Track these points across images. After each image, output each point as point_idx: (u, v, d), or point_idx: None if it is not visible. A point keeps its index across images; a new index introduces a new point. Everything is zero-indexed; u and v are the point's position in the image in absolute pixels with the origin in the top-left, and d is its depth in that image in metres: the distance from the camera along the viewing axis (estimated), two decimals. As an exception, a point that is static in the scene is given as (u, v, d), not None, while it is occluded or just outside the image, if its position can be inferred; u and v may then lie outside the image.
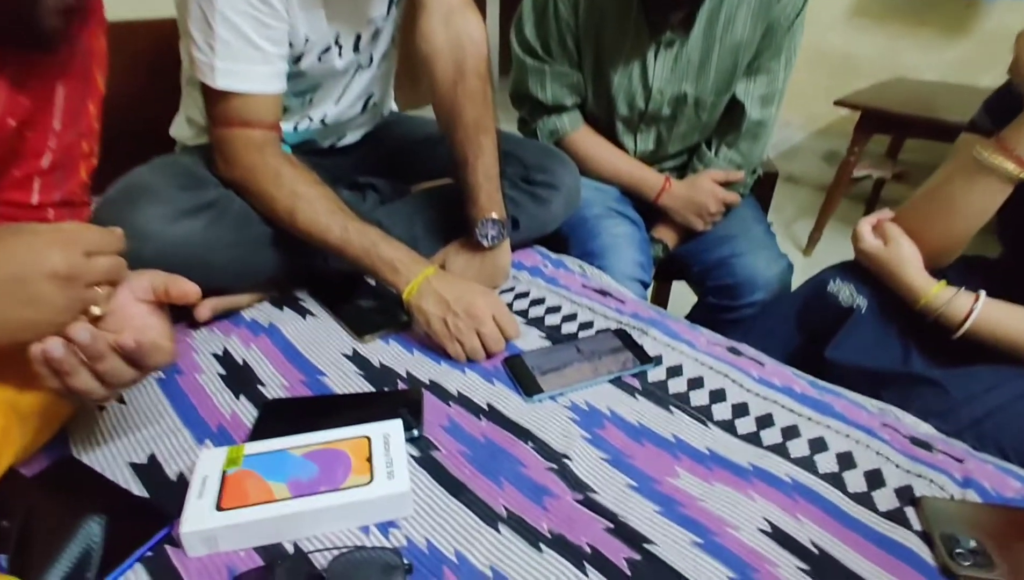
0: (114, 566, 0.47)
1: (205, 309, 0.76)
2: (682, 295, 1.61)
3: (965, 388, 0.71)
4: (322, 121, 0.92)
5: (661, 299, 1.58)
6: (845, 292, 0.86)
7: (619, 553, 0.51)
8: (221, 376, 0.70)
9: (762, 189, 1.24)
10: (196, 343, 0.76)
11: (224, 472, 0.52)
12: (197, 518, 0.49)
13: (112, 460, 0.58)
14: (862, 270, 0.86)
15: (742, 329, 0.97)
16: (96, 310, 0.48)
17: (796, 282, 1.12)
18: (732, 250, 1.10)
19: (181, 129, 0.94)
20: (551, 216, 0.97)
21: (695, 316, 1.16)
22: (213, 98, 0.75)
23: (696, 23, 0.99)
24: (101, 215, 0.68)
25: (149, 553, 0.49)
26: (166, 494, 0.54)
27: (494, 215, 0.84)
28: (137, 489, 0.55)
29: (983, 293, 0.75)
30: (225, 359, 0.73)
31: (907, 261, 0.79)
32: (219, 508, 0.49)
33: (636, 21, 0.99)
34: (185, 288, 0.52)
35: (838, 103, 2.05)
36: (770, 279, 1.07)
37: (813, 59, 2.29)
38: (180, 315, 0.77)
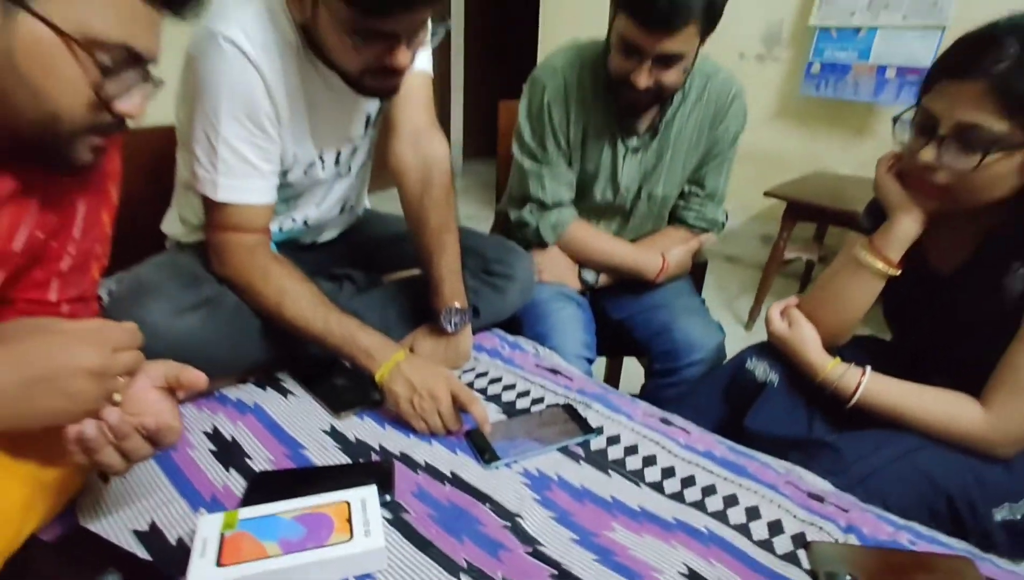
0: (125, 620, 0.55)
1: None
2: (635, 372, 1.73)
3: (855, 450, 0.84)
4: (304, 222, 1.05)
5: (614, 374, 1.70)
6: (760, 369, 1.00)
7: (562, 596, 0.60)
8: (212, 452, 0.78)
9: (694, 275, 1.40)
10: (187, 422, 0.84)
11: (222, 534, 0.60)
12: (201, 574, 0.56)
13: (117, 528, 0.65)
14: (774, 349, 1.00)
15: (677, 403, 1.09)
16: (118, 397, 0.56)
17: (733, 353, 1.25)
18: (670, 316, 1.24)
19: (174, 226, 1.05)
20: (507, 304, 1.10)
21: (646, 390, 1.27)
22: (212, 207, 0.86)
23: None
24: (112, 311, 0.78)
25: (156, 608, 0.57)
26: (167, 558, 0.62)
27: (457, 304, 0.97)
28: (141, 554, 0.62)
29: (868, 368, 0.89)
30: (215, 436, 0.81)
31: (807, 342, 0.93)
32: (219, 564, 0.57)
33: (611, 130, 1.19)
34: (194, 378, 0.61)
35: (767, 194, 2.29)
36: (706, 342, 1.21)
37: (745, 154, 2.54)
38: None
